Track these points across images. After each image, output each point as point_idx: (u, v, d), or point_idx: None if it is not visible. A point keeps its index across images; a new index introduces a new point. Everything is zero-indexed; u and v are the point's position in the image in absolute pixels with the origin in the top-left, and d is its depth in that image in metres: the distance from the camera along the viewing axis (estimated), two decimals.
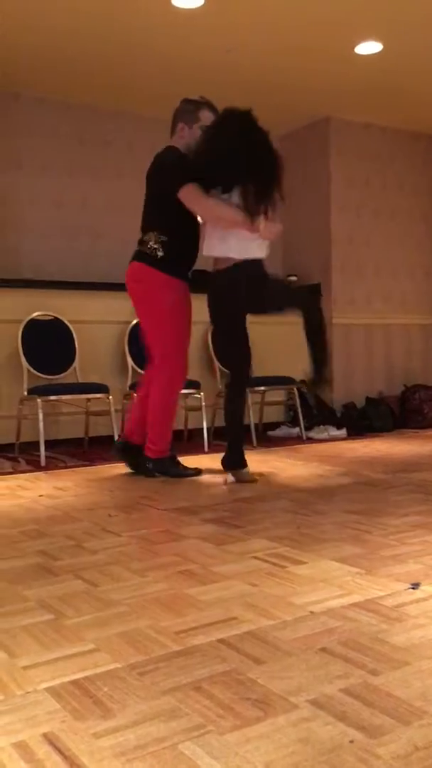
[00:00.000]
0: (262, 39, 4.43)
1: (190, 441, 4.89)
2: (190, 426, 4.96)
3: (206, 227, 3.44)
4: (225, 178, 3.30)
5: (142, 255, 3.51)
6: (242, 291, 3.30)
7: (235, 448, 3.46)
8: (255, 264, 3.33)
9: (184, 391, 4.59)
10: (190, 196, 3.30)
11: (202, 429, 4.58)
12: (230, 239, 3.30)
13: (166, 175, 3.39)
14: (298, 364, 5.74)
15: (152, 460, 3.58)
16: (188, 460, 3.83)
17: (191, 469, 3.63)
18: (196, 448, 4.52)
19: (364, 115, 5.82)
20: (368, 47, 4.60)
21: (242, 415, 3.53)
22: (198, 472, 3.62)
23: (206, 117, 3.44)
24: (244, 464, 3.45)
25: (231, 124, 3.24)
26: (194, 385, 4.47)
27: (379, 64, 4.84)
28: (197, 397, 4.57)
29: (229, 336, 3.52)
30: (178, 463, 3.65)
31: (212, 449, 4.47)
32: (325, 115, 5.78)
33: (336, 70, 4.92)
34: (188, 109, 3.51)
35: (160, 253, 3.44)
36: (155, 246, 3.45)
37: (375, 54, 4.69)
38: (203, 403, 4.56)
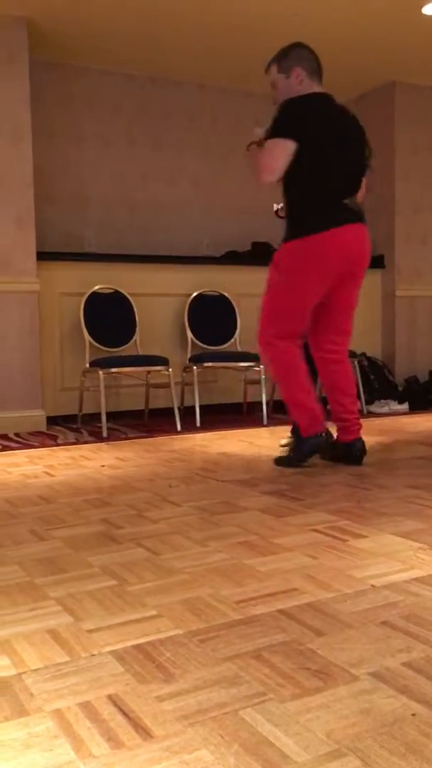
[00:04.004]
0: (325, 2, 4.30)
1: (249, 414, 4.89)
2: (249, 399, 4.97)
3: None
4: None
5: (363, 217, 3.08)
6: None
7: None
8: None
9: (242, 364, 4.61)
10: None
11: (261, 402, 4.57)
12: None
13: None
14: (359, 337, 5.66)
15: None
16: (247, 434, 3.83)
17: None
18: (255, 422, 4.52)
19: None
20: None
21: None
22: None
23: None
24: None
25: None
26: (253, 358, 4.46)
27: None
28: (257, 370, 4.56)
29: None
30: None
31: (271, 422, 4.46)
32: (391, 80, 5.60)
33: (402, 32, 4.74)
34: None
35: None
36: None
37: None
38: (263, 376, 4.55)
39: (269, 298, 3.12)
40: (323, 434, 3.11)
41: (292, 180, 2.95)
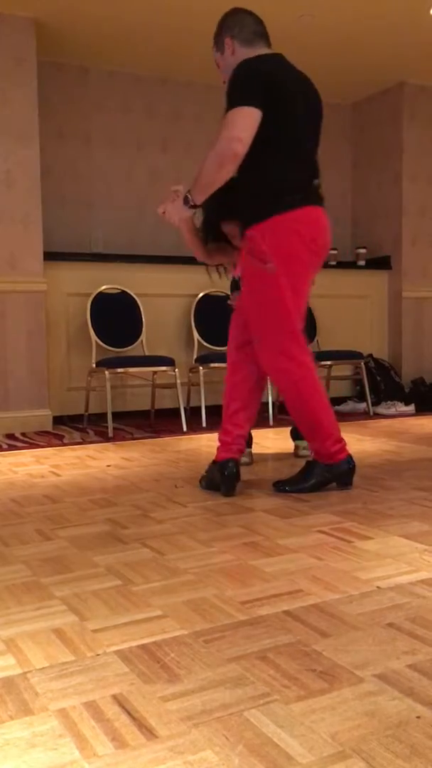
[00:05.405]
0: (333, 3, 4.30)
1: None
2: None
3: None
4: None
5: (323, 201, 2.58)
6: None
7: None
8: None
9: None
10: None
11: (267, 403, 4.57)
12: None
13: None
14: (366, 339, 5.65)
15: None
16: (253, 435, 3.82)
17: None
18: (261, 423, 4.52)
19: None
20: None
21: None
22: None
23: None
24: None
25: None
26: None
27: None
28: None
29: None
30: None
31: (277, 423, 4.46)
32: (399, 81, 5.58)
33: (409, 33, 4.73)
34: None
35: None
36: None
37: None
38: (269, 378, 4.54)
39: (263, 300, 2.54)
40: (347, 460, 2.65)
41: (258, 152, 2.40)
